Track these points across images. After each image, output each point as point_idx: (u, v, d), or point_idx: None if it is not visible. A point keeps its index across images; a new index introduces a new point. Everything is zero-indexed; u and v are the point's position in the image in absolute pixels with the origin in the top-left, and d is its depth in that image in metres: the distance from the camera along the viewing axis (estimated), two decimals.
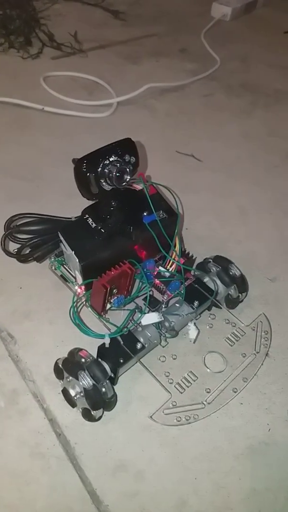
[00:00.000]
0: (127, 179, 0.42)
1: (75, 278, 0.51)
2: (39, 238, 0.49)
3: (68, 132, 0.85)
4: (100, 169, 0.41)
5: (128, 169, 0.41)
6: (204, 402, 0.44)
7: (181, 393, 0.45)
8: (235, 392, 0.46)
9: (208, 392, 0.46)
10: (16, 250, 0.50)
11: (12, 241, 0.50)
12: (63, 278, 0.52)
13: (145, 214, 0.46)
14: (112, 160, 0.41)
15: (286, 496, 0.44)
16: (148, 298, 0.47)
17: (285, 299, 0.61)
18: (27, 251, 0.50)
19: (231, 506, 0.43)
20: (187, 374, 0.47)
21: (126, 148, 0.42)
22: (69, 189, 0.73)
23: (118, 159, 0.41)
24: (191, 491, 0.44)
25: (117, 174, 0.41)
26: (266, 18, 1.40)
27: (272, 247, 0.69)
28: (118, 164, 0.41)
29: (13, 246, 0.53)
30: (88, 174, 0.40)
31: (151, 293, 0.49)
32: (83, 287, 0.49)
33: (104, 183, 0.42)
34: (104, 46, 1.12)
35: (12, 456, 0.45)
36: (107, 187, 0.42)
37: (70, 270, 0.51)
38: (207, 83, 1.05)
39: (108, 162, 0.41)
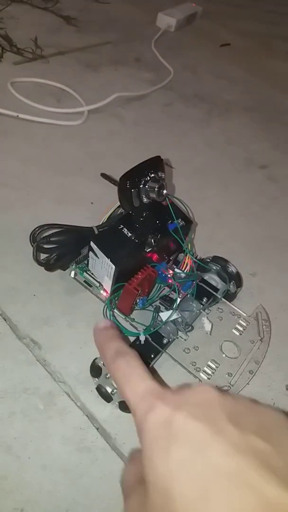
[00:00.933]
0: (164, 193, 0.47)
1: (99, 283, 0.55)
2: (64, 248, 0.52)
3: (45, 140, 0.87)
4: (142, 185, 0.45)
5: (164, 184, 0.46)
6: (229, 385, 0.51)
7: (209, 379, 0.51)
8: (251, 373, 0.53)
9: (230, 376, 0.53)
10: (44, 259, 0.52)
11: (38, 251, 0.52)
12: (87, 284, 0.56)
13: (169, 222, 0.51)
14: (151, 177, 0.46)
15: None
16: (177, 300, 0.53)
17: (267, 290, 0.70)
18: (53, 261, 0.53)
19: None
20: (210, 362, 0.53)
21: (158, 165, 0.47)
22: (60, 196, 0.77)
23: (155, 176, 0.46)
24: None
25: (157, 189, 0.46)
26: (205, 30, 1.50)
27: (248, 246, 0.78)
28: (156, 181, 0.46)
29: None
30: (132, 191, 0.45)
31: (172, 295, 0.55)
32: (108, 291, 0.53)
33: (144, 197, 0.46)
34: (63, 53, 1.13)
35: (61, 453, 0.48)
36: (146, 201, 0.47)
37: (94, 275, 0.55)
38: (165, 92, 1.12)
39: (148, 178, 0.45)
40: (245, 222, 0.82)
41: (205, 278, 0.62)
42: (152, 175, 0.45)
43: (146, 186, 0.46)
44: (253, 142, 1.04)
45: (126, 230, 0.48)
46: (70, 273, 0.57)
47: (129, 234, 0.48)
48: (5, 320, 0.57)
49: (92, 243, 0.50)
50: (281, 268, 0.74)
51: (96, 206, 0.75)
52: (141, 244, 0.49)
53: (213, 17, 1.58)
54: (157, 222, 0.50)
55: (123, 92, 1.01)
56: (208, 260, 0.63)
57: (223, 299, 0.60)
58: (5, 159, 0.80)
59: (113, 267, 0.48)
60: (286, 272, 0.74)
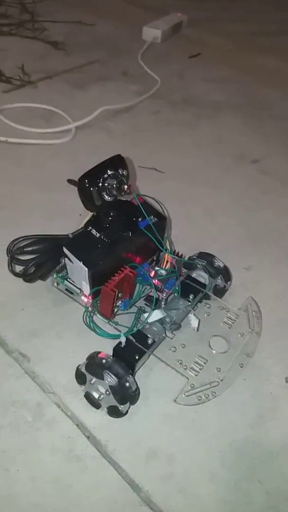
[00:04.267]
0: (125, 188, 0.47)
1: (79, 289, 0.54)
2: (41, 257, 0.53)
3: (34, 160, 0.89)
4: (101, 183, 0.45)
5: (124, 180, 0.46)
6: (218, 380, 0.49)
7: (196, 375, 0.50)
8: (241, 367, 0.52)
9: (219, 371, 0.51)
10: (21, 271, 0.53)
11: (15, 263, 0.53)
12: (69, 292, 0.56)
13: (140, 220, 0.51)
14: (110, 174, 0.46)
15: None
16: (154, 298, 0.52)
17: (262, 284, 0.68)
18: (32, 271, 0.53)
19: (255, 469, 0.48)
20: (198, 358, 0.52)
21: (118, 163, 0.47)
22: (48, 213, 0.78)
23: (114, 172, 0.46)
24: (219, 463, 0.48)
25: (117, 185, 0.46)
26: (191, 37, 1.52)
27: (241, 240, 0.76)
28: (115, 177, 0.46)
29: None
30: (91, 189, 0.45)
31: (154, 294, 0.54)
32: (90, 296, 0.53)
33: (105, 195, 0.47)
34: (51, 76, 1.17)
35: (50, 463, 0.47)
36: (108, 198, 0.47)
37: (74, 282, 0.55)
38: (153, 101, 1.13)
39: (106, 176, 0.46)
40: (237, 217, 0.81)
41: (193, 275, 0.61)
42: (111, 172, 0.45)
43: (106, 184, 0.46)
44: (243, 138, 1.03)
45: (94, 231, 0.48)
46: (53, 283, 0.58)
47: (98, 235, 0.48)
48: None
49: (64, 249, 0.50)
50: (275, 260, 0.72)
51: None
52: (113, 243, 0.49)
53: (199, 23, 1.60)
54: (125, 219, 0.50)
55: (110, 105, 1.02)
56: (195, 257, 0.62)
57: (211, 294, 0.58)
58: None
59: (86, 269, 0.48)
60: (280, 264, 0.72)
